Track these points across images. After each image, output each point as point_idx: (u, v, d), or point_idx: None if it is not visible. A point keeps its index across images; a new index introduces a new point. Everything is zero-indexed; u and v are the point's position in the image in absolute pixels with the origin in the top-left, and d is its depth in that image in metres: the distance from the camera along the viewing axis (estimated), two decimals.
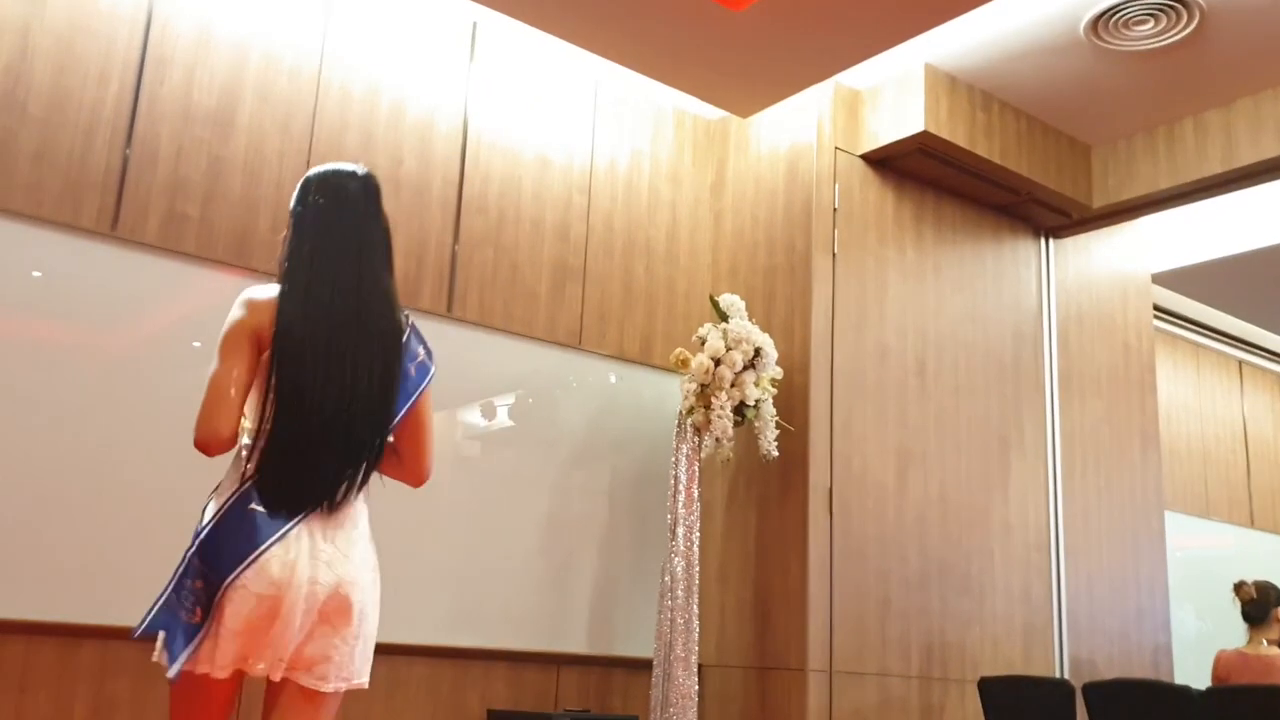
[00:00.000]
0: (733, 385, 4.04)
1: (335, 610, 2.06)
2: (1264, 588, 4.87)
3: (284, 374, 2.04)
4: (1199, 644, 5.12)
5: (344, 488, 2.10)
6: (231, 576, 1.95)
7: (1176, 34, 4.04)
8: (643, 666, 4.06)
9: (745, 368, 4.07)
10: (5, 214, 3.16)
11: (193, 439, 2.03)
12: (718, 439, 4.07)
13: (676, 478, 4.09)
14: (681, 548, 4.00)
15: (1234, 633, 5.03)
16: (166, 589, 1.98)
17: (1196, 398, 7.08)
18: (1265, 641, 4.80)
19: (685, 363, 4.12)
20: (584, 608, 4.14)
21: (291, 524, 2.03)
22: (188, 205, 3.49)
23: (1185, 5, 3.89)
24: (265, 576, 1.97)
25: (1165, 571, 5.29)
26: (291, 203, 2.23)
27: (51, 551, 3.08)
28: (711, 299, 4.28)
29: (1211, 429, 7.13)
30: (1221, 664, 4.87)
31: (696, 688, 3.89)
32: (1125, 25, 4.02)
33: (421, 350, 2.24)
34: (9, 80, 3.24)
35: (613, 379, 4.39)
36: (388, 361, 2.14)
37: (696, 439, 4.12)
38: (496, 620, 3.92)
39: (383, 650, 3.65)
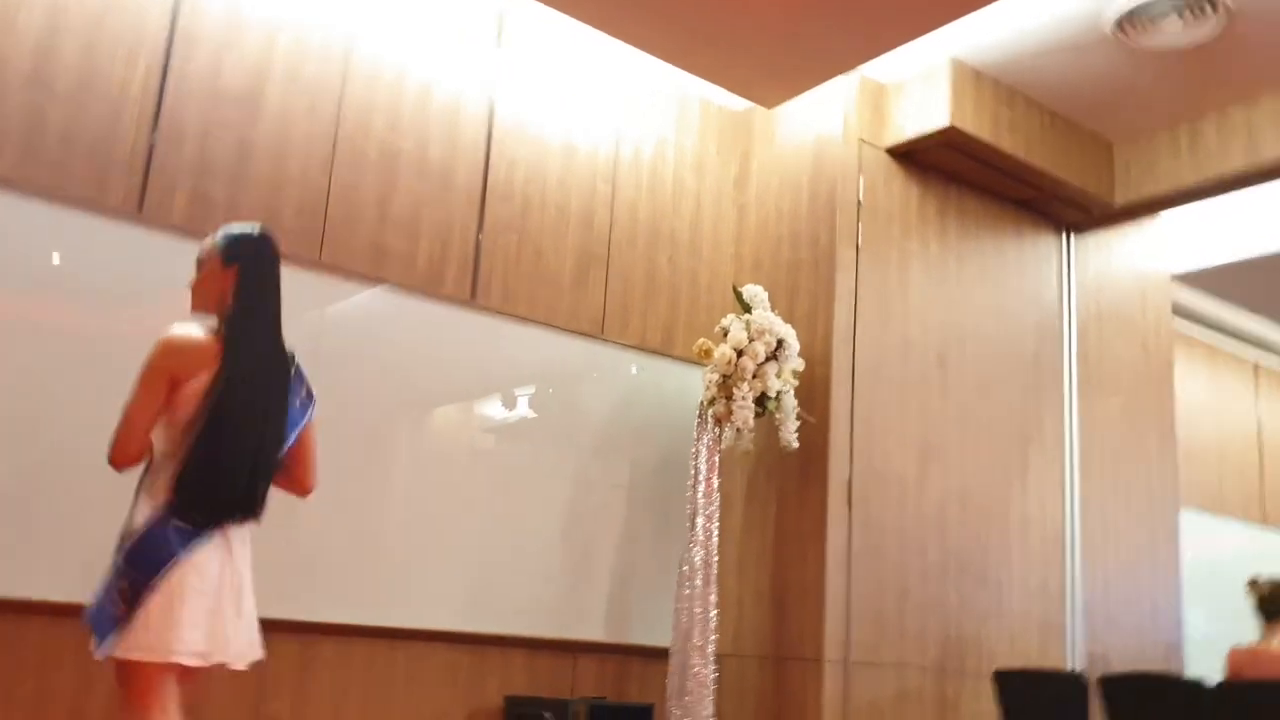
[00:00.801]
0: (755, 376, 4.04)
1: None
2: (1277, 584, 4.86)
3: (227, 410, 2.45)
4: (1211, 641, 5.11)
5: (261, 500, 2.56)
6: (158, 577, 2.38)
7: (1205, 30, 4.02)
8: (660, 655, 4.06)
9: (767, 359, 4.06)
10: (31, 193, 3.16)
11: (107, 457, 2.42)
12: (739, 430, 4.07)
13: (696, 468, 4.09)
14: (700, 538, 4.01)
15: (1247, 630, 5.03)
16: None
17: (1213, 397, 7.07)
18: (1278, 639, 4.79)
19: (708, 353, 4.12)
20: (602, 596, 4.14)
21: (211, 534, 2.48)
22: (214, 187, 3.49)
23: (1213, 3, 3.88)
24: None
25: (1179, 568, 5.29)
26: (225, 256, 2.60)
27: (73, 535, 3.09)
28: (735, 289, 4.27)
29: (1227, 428, 7.13)
30: (1234, 660, 4.87)
31: (713, 676, 3.90)
32: (1152, 22, 4.00)
33: (304, 389, 2.69)
34: (38, 57, 3.23)
35: (634, 369, 4.38)
36: (284, 397, 2.61)
37: (717, 430, 4.12)
38: (515, 608, 3.92)
39: (402, 636, 3.69)
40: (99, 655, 2.35)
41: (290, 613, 3.39)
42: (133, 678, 2.37)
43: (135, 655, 2.34)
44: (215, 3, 3.56)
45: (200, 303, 2.61)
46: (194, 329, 2.54)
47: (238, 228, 2.67)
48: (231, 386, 2.46)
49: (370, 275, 3.74)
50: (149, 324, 3.30)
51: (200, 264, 2.63)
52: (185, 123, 3.46)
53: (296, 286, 3.57)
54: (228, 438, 2.45)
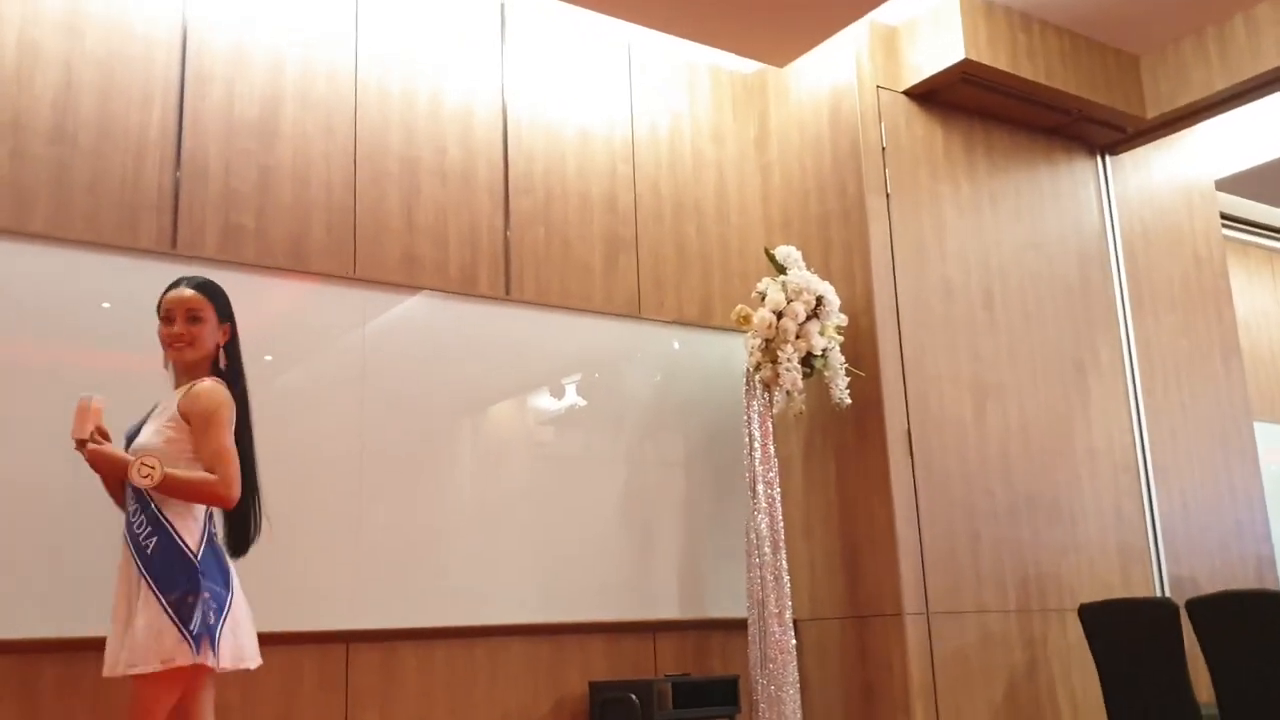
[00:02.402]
0: (797, 337, 4.02)
1: None
2: None
3: (247, 456, 2.79)
4: None
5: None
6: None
7: None
8: (738, 626, 4.06)
9: (808, 318, 4.04)
10: (68, 243, 3.23)
11: (227, 496, 2.63)
12: (788, 392, 4.05)
13: (751, 436, 4.07)
14: (763, 505, 4.00)
15: None
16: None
17: (1276, 303, 6.88)
18: None
19: (747, 319, 4.10)
20: (672, 573, 4.15)
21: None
22: (242, 216, 3.55)
23: None
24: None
25: (1260, 482, 5.17)
26: (221, 314, 2.81)
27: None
28: (767, 252, 4.25)
29: None
30: None
31: (794, 642, 3.89)
32: None
33: None
34: (57, 114, 3.31)
35: (675, 345, 4.38)
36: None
37: (767, 395, 4.10)
38: (589, 594, 3.95)
39: (480, 633, 3.73)
40: (252, 665, 2.64)
41: (371, 622, 3.45)
42: (205, 685, 2.63)
43: (237, 665, 2.60)
44: (220, 38, 3.61)
45: (197, 353, 2.76)
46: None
47: (211, 283, 2.83)
48: (249, 436, 2.82)
49: (406, 284, 3.78)
50: None
51: (194, 315, 2.76)
52: (207, 158, 3.52)
53: (334, 304, 3.65)
54: (252, 479, 2.78)
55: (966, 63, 4.21)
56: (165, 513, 2.61)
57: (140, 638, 2.47)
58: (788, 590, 3.93)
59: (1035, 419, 4.46)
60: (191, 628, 2.49)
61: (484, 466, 3.84)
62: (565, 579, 3.91)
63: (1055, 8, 4.40)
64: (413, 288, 3.79)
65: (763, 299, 4.10)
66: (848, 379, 4.06)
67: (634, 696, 3.70)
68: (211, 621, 2.53)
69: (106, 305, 3.28)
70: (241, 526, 2.79)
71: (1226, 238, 5.67)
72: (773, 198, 4.67)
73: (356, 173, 3.78)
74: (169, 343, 2.74)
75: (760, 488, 4.02)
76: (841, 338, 4.10)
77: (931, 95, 4.43)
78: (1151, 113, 4.78)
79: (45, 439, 3.07)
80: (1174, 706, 3.77)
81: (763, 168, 4.73)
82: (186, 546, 2.59)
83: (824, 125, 4.44)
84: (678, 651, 4.10)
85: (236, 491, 2.64)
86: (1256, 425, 5.30)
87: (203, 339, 2.76)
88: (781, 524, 4.00)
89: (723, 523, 4.27)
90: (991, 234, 4.53)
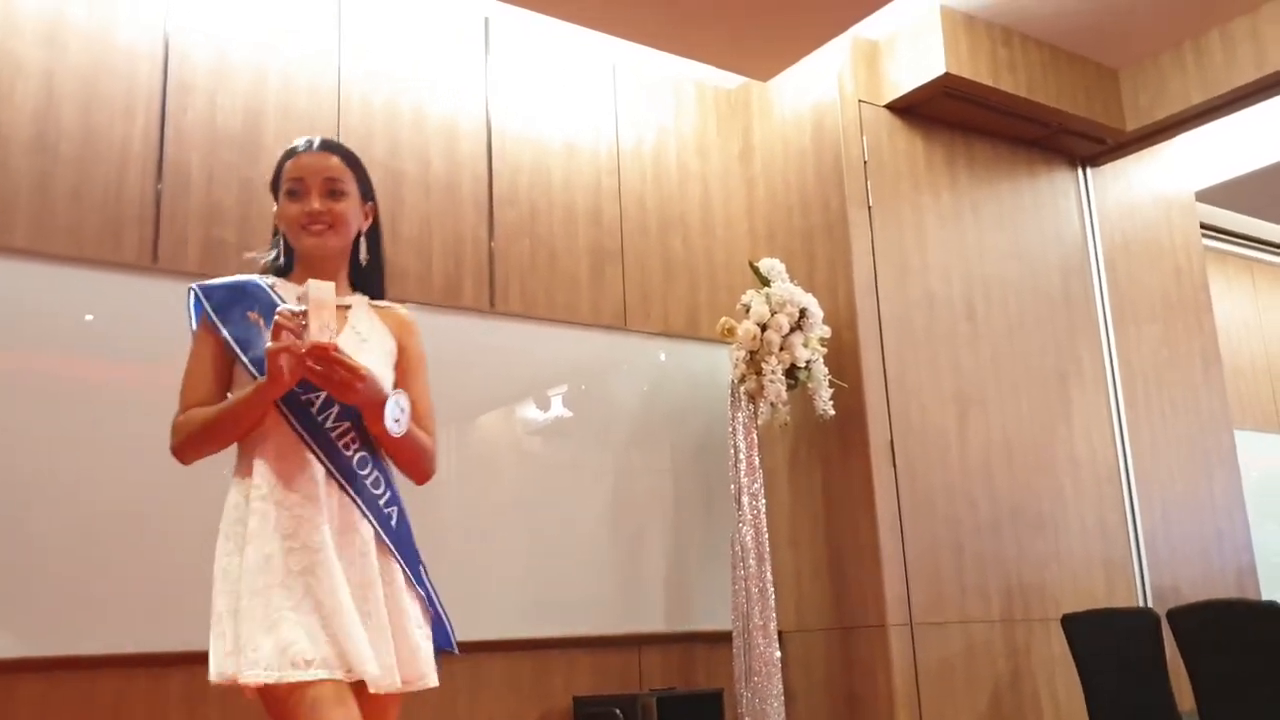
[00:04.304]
0: (781, 349, 4.03)
1: None
2: None
3: None
4: None
5: None
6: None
7: None
8: (723, 639, 4.06)
9: (792, 330, 4.05)
10: (49, 258, 3.22)
11: (433, 472, 2.14)
12: (773, 404, 4.06)
13: (736, 447, 4.08)
14: (749, 516, 4.00)
15: None
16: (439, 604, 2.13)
17: (1255, 312, 6.94)
18: None
19: (731, 331, 4.11)
20: (658, 586, 4.15)
21: None
22: (224, 230, 3.54)
23: None
24: None
25: (1241, 490, 5.20)
26: (364, 188, 2.24)
27: (126, 586, 3.14)
28: (751, 265, 4.26)
29: (1274, 343, 6.99)
30: None
31: (779, 654, 3.89)
32: None
33: None
34: (38, 125, 3.30)
35: (662, 356, 4.38)
36: None
37: (752, 407, 4.11)
38: (573, 608, 3.94)
39: (461, 648, 3.70)
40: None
41: None
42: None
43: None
44: (202, 51, 3.61)
45: (341, 240, 2.10)
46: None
47: (348, 149, 2.17)
48: None
49: (390, 297, 3.76)
50: (176, 372, 3.36)
51: (336, 189, 2.08)
52: (189, 170, 3.51)
53: None
54: None
55: (947, 77, 4.23)
56: (389, 470, 2.07)
57: (425, 641, 2.01)
58: (772, 602, 3.93)
59: (1018, 429, 4.48)
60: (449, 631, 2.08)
61: (469, 479, 3.83)
62: (550, 592, 3.90)
63: (1035, 22, 4.44)
64: (396, 300, 3.77)
65: (747, 311, 4.11)
66: (831, 390, 4.07)
67: (618, 711, 3.69)
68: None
69: (89, 317, 3.27)
70: None
71: (1206, 248, 5.71)
72: (757, 211, 4.68)
73: None
74: (305, 224, 2.05)
75: (745, 499, 4.02)
76: (825, 349, 4.11)
77: (913, 109, 4.46)
78: (1131, 125, 4.82)
79: (28, 449, 3.06)
80: (1156, 715, 3.79)
81: (747, 181, 4.75)
82: (407, 521, 2.06)
83: (807, 139, 4.46)
84: (663, 665, 4.09)
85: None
86: (1237, 434, 5.33)
87: (348, 220, 2.09)
88: (766, 536, 4.01)
89: (708, 535, 4.27)
90: (974, 246, 4.56)
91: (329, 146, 2.13)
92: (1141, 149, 5.08)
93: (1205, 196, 5.86)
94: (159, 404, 3.27)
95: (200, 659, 3.12)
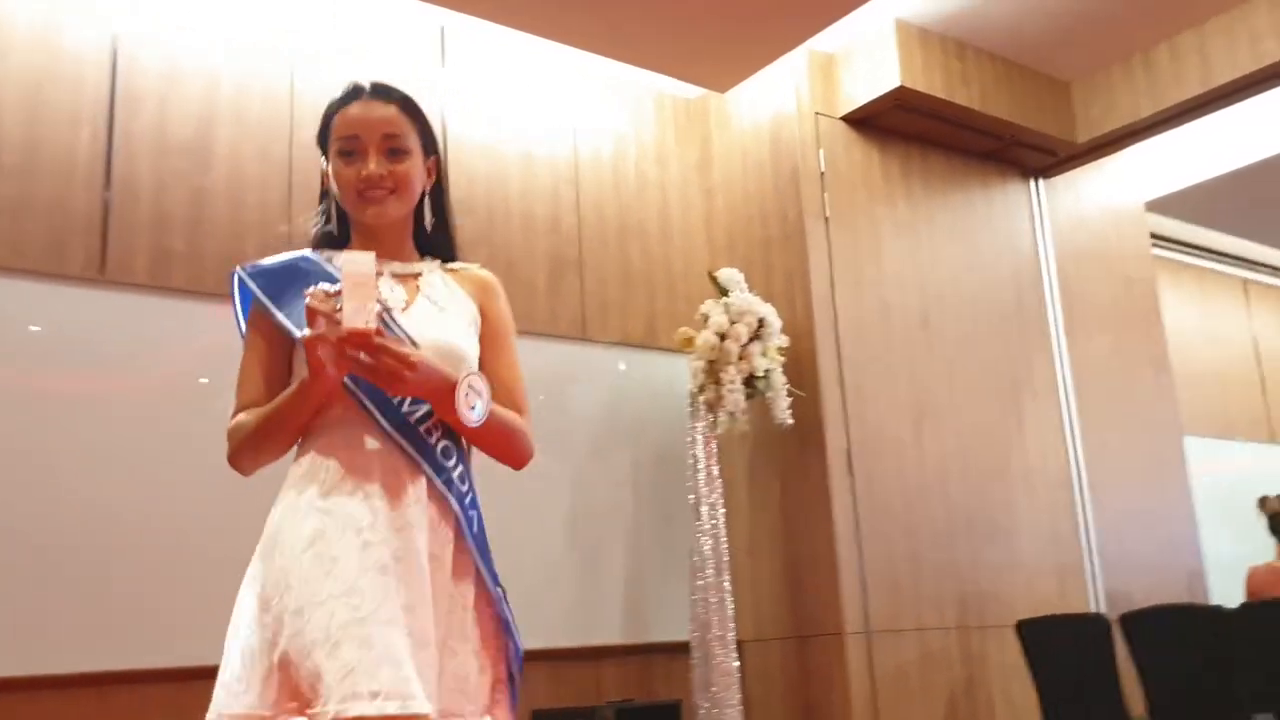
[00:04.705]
0: (740, 358, 4.04)
1: None
2: None
3: None
4: (1240, 561, 5.10)
5: None
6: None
7: None
8: (682, 650, 4.05)
9: (751, 339, 4.06)
10: None
11: (530, 455, 1.87)
12: (732, 413, 4.06)
13: (695, 457, 4.08)
14: (707, 526, 4.00)
15: (1269, 549, 5.03)
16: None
17: (1204, 320, 7.06)
18: None
19: (690, 341, 4.11)
20: (617, 598, 4.13)
21: None
22: (174, 240, 3.48)
23: None
24: None
25: (1190, 496, 5.28)
26: (426, 142, 1.94)
27: (75, 604, 3.08)
28: (710, 275, 4.27)
29: (1223, 350, 7.11)
30: (1254, 579, 4.88)
31: (737, 664, 3.89)
32: None
33: None
34: None
35: (621, 366, 4.38)
36: None
37: (711, 416, 4.11)
38: (530, 620, 3.87)
39: None
40: None
41: None
42: None
43: None
44: (152, 58, 3.55)
45: (404, 206, 1.82)
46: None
47: (408, 96, 1.87)
48: None
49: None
50: (130, 383, 3.32)
51: (396, 146, 1.79)
52: (138, 179, 3.46)
53: None
54: None
55: (902, 90, 4.27)
56: (469, 463, 1.79)
57: (488, 669, 1.73)
58: (731, 612, 3.93)
59: (972, 438, 4.52)
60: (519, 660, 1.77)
61: None
62: (519, 609, 3.86)
63: (988, 35, 4.49)
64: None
65: (706, 321, 4.11)
66: (789, 400, 4.08)
67: None
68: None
69: (35, 329, 3.21)
70: None
71: (1156, 257, 5.80)
72: (716, 221, 4.70)
73: (292, 194, 3.72)
74: (362, 189, 1.76)
75: (704, 509, 4.02)
76: (783, 359, 4.13)
77: (869, 121, 4.49)
78: (1082, 137, 4.89)
79: None
80: (1109, 719, 3.83)
81: (706, 191, 4.76)
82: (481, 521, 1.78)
83: (764, 150, 4.48)
84: (622, 677, 4.08)
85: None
86: (1187, 441, 5.42)
87: (411, 183, 1.80)
88: (725, 545, 4.01)
89: (667, 545, 4.26)
90: (928, 256, 4.60)
91: (384, 93, 1.82)
92: (1092, 160, 5.15)
93: (1155, 207, 5.95)
94: (106, 416, 3.23)
95: (139, 676, 3.09)
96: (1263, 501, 4.93)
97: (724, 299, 4.13)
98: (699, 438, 4.09)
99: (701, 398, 4.11)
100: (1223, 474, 6.52)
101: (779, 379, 4.09)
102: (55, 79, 3.38)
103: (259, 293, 1.78)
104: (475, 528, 1.73)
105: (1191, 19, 4.48)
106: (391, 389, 1.62)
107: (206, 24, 3.68)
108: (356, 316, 1.53)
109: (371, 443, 1.66)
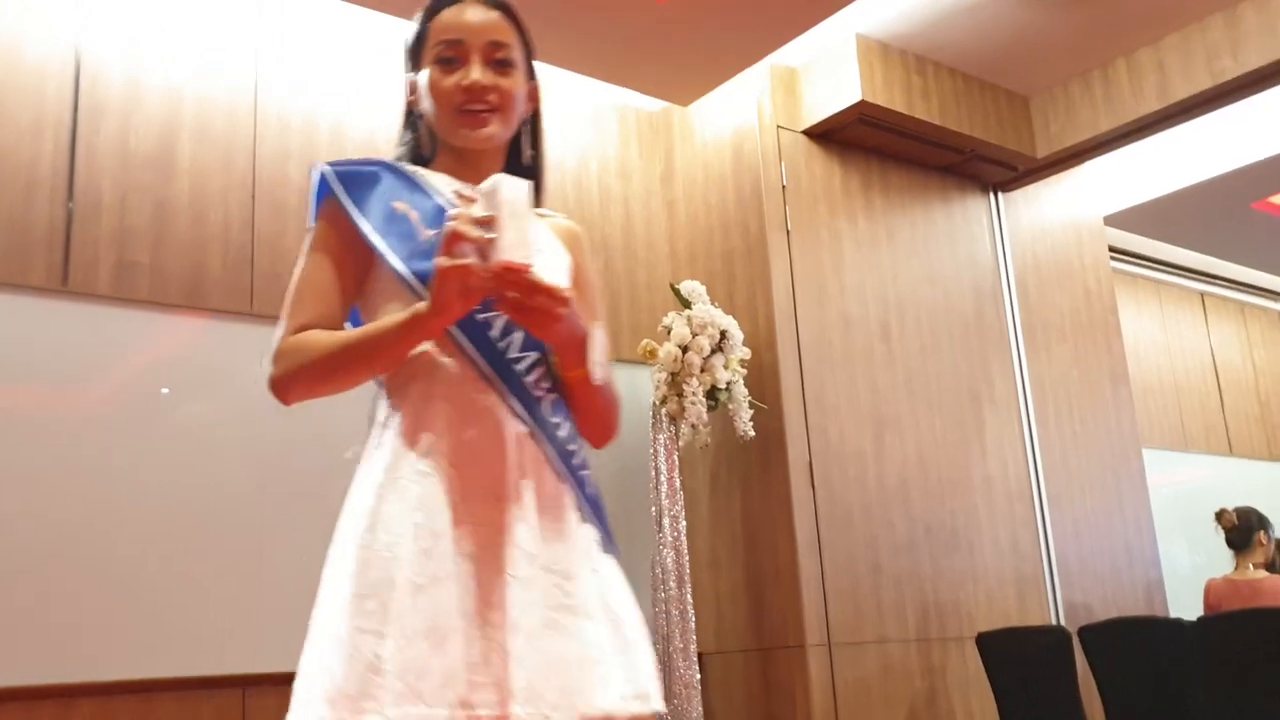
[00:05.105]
0: (702, 370, 4.06)
1: None
2: (1245, 513, 4.94)
3: None
4: (1198, 573, 5.18)
5: None
6: None
7: None
8: None
9: (713, 351, 4.09)
10: None
11: (617, 429, 1.68)
12: (694, 425, 4.09)
13: (657, 469, 4.10)
14: (669, 538, 4.02)
15: (1226, 560, 5.10)
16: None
17: (1163, 333, 7.16)
18: (1251, 566, 4.87)
19: (653, 353, 4.14)
20: None
21: None
22: (137, 252, 3.47)
23: None
24: None
25: (1149, 507, 5.35)
26: (530, 66, 1.80)
27: (35, 617, 3.06)
28: (673, 287, 4.29)
29: (1181, 362, 7.22)
30: (1211, 592, 4.94)
31: (698, 676, 3.91)
32: None
33: None
34: None
35: None
36: None
37: (673, 428, 4.13)
38: None
39: None
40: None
41: (269, 666, 3.36)
42: None
43: None
44: (115, 70, 3.55)
45: (507, 128, 1.63)
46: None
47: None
48: None
49: None
50: (91, 396, 3.30)
51: (503, 57, 1.60)
52: (100, 192, 3.45)
53: (231, 340, 3.59)
54: None
55: (863, 104, 4.32)
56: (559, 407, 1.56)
57: (646, 650, 1.48)
58: (692, 625, 3.95)
59: (933, 449, 4.56)
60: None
61: None
62: None
63: (949, 51, 4.55)
64: None
65: (668, 333, 4.14)
66: (751, 411, 4.11)
67: None
68: None
69: None
70: None
71: (1115, 271, 5.88)
72: (679, 233, 4.73)
73: (255, 206, 3.73)
74: (464, 102, 1.56)
75: (666, 521, 4.04)
76: (745, 371, 4.16)
77: (830, 135, 4.54)
78: (1041, 152, 4.95)
79: None
80: None
81: (669, 204, 4.79)
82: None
83: (727, 163, 4.52)
84: None
85: None
86: (1145, 452, 5.49)
87: (515, 102, 1.62)
88: (687, 557, 4.03)
89: (629, 556, 4.23)
90: (889, 269, 4.65)
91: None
92: (1051, 175, 5.22)
93: (1113, 221, 6.04)
94: (67, 428, 3.22)
95: (99, 689, 3.07)
96: (1220, 514, 5.00)
97: (686, 311, 4.16)
98: (661, 450, 4.12)
99: (664, 409, 4.13)
100: (1180, 486, 6.62)
101: (741, 391, 4.12)
102: (17, 91, 3.37)
103: (342, 194, 1.51)
104: (588, 489, 1.55)
105: (1149, 36, 4.55)
106: (543, 333, 1.41)
107: (170, 37, 3.68)
108: (516, 249, 1.32)
109: (475, 394, 1.44)
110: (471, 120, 1.56)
